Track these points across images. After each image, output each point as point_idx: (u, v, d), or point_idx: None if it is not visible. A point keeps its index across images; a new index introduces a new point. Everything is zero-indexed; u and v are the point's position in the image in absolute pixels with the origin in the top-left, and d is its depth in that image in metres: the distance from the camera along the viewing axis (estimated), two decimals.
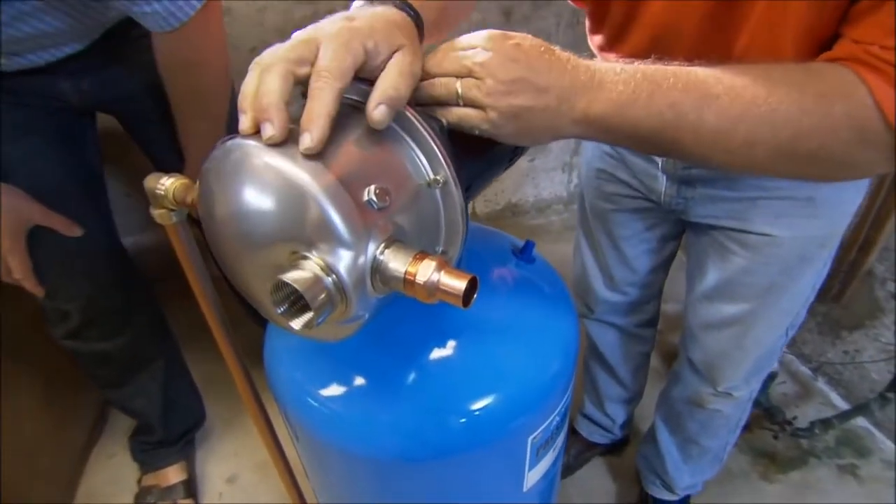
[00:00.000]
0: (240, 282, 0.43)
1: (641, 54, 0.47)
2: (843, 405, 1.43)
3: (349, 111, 0.41)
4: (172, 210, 0.52)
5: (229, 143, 0.38)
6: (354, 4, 0.44)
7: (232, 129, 0.43)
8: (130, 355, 1.11)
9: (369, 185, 0.37)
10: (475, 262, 0.54)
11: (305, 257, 0.36)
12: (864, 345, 1.38)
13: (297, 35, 0.38)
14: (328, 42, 0.37)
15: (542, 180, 2.10)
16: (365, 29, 0.38)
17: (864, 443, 1.36)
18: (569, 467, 1.30)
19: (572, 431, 1.32)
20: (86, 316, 1.00)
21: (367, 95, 0.38)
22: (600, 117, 0.43)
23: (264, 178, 0.36)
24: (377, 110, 0.38)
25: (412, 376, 0.54)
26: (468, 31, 0.44)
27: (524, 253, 0.64)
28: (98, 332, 1.04)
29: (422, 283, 0.37)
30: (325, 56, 0.36)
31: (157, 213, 0.52)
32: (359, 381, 0.54)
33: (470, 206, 0.46)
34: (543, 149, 2.01)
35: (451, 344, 0.55)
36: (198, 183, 0.42)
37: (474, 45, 0.42)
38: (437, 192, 0.42)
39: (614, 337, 1.12)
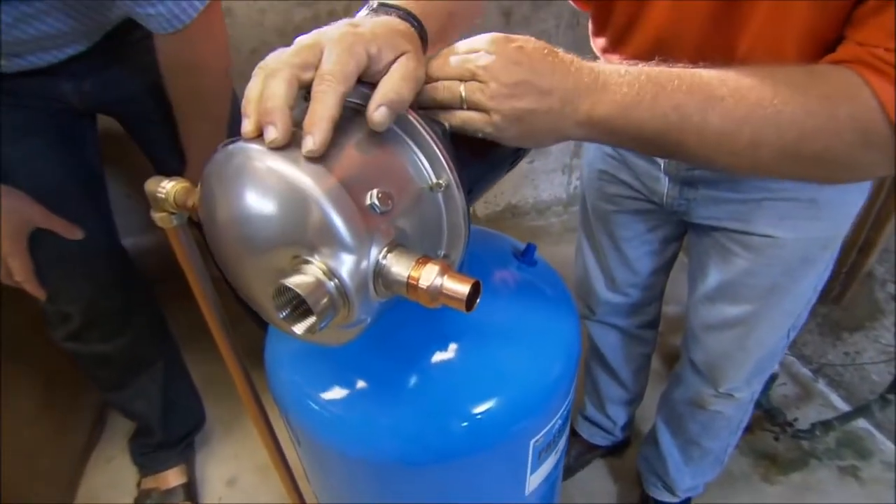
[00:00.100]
0: (241, 286, 0.43)
1: (645, 56, 0.47)
2: (844, 407, 1.43)
3: (352, 115, 0.41)
4: (173, 213, 0.52)
5: (231, 146, 0.38)
6: (358, 15, 0.44)
7: (233, 131, 0.43)
8: (130, 357, 1.11)
9: (372, 188, 0.37)
10: (477, 265, 0.54)
11: (308, 261, 0.36)
12: (865, 346, 1.38)
13: (301, 40, 0.38)
14: (332, 46, 0.37)
15: (542, 182, 2.10)
16: (368, 34, 0.38)
17: (865, 444, 1.36)
18: (569, 469, 1.30)
19: (573, 433, 1.31)
20: (87, 317, 1.00)
21: (369, 99, 0.38)
22: (604, 119, 0.43)
23: (266, 182, 0.36)
24: (377, 112, 0.37)
25: (413, 380, 0.53)
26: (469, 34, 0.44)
27: (526, 256, 0.64)
28: (99, 334, 1.04)
29: (425, 287, 0.36)
30: (329, 59, 0.36)
31: (157, 216, 0.52)
32: (360, 384, 0.54)
33: (471, 208, 0.45)
34: (543, 151, 2.01)
35: (453, 347, 0.55)
36: (199, 186, 0.42)
37: (477, 49, 0.42)
38: (440, 195, 0.42)
39: (616, 338, 1.12)
